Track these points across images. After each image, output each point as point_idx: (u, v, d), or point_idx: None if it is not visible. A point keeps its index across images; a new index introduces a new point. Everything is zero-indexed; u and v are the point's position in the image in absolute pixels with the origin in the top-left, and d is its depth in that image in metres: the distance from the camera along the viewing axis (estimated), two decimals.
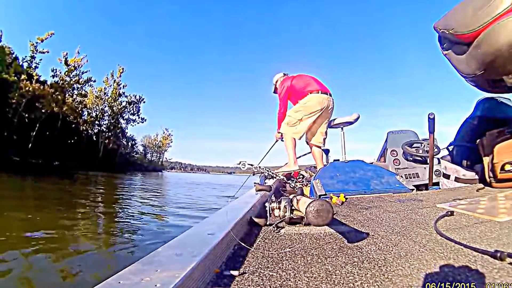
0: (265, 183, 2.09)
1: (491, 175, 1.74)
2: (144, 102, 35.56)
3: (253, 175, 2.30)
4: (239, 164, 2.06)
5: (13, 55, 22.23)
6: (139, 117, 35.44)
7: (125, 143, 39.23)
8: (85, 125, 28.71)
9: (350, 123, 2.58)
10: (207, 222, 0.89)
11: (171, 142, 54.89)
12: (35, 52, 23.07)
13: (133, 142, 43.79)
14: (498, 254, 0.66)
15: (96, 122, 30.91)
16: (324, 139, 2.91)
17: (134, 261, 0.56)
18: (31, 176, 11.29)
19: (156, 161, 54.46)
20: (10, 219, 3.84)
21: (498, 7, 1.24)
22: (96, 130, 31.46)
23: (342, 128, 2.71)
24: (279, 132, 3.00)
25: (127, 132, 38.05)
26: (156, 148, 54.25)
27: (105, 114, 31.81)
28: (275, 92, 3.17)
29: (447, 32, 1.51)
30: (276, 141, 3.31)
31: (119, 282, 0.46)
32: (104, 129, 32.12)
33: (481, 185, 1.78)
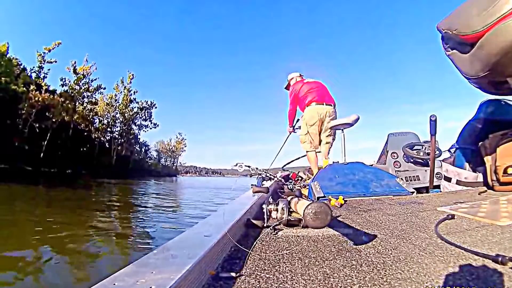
0: (263, 185, 2.08)
1: (493, 178, 1.72)
2: (156, 107, 35.49)
3: (250, 177, 2.29)
4: (235, 166, 2.05)
5: (21, 66, 22.50)
6: (151, 123, 35.34)
7: (138, 149, 39.21)
8: (97, 132, 28.66)
9: (350, 125, 2.56)
10: (204, 224, 0.88)
11: (185, 146, 55.01)
12: (43, 62, 23.32)
13: (147, 148, 43.70)
14: (500, 259, 0.65)
15: (108, 129, 30.86)
16: (328, 143, 3.07)
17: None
18: (44, 185, 11.34)
19: (170, 166, 54.34)
20: (25, 225, 3.91)
21: (503, 8, 1.22)
22: (108, 137, 31.38)
23: (342, 130, 2.70)
24: (291, 126, 3.45)
25: (139, 138, 38.02)
26: (170, 153, 54.18)
27: (116, 121, 31.75)
28: (286, 88, 3.44)
29: (451, 33, 1.50)
30: (288, 135, 3.65)
31: (114, 284, 0.46)
32: (117, 136, 32.06)
33: (483, 188, 1.76)
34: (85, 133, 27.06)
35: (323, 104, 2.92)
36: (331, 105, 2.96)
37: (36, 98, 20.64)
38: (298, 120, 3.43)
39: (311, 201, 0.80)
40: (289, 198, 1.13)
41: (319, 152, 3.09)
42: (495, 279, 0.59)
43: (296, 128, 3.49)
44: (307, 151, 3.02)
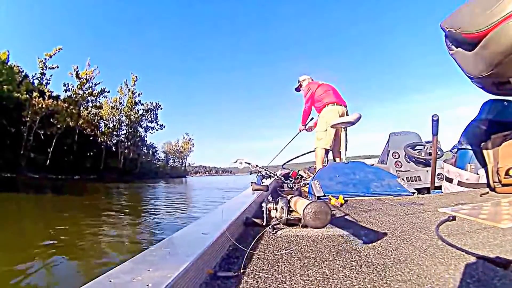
0: (263, 182, 2.07)
1: (495, 179, 1.71)
2: (161, 108, 35.43)
3: (250, 174, 2.28)
4: (235, 162, 2.05)
5: (23, 73, 22.45)
6: (157, 124, 35.32)
7: (145, 151, 39.08)
8: (103, 136, 28.66)
9: (351, 123, 2.54)
10: (202, 221, 0.88)
11: (193, 146, 54.95)
12: (44, 68, 23.27)
13: (154, 150, 43.57)
14: (501, 261, 0.65)
15: (114, 132, 30.85)
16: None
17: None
18: (52, 192, 11.26)
19: (179, 166, 54.13)
20: (35, 232, 3.94)
21: (508, 7, 1.20)
22: (114, 141, 31.40)
23: (344, 129, 2.68)
24: (304, 125, 3.53)
25: (146, 140, 37.92)
26: (178, 154, 53.97)
27: (122, 124, 31.72)
28: (297, 89, 3.56)
29: (454, 31, 1.48)
30: (298, 133, 3.74)
31: (110, 281, 0.45)
32: (123, 139, 32.03)
33: (485, 190, 1.75)
34: (91, 138, 27.13)
35: (341, 106, 3.10)
36: (346, 107, 3.15)
37: (40, 105, 20.70)
38: (312, 118, 3.50)
39: (311, 201, 0.79)
40: (288, 197, 1.12)
41: (329, 150, 3.18)
42: (496, 282, 0.58)
43: (307, 128, 3.55)
44: (318, 147, 3.09)
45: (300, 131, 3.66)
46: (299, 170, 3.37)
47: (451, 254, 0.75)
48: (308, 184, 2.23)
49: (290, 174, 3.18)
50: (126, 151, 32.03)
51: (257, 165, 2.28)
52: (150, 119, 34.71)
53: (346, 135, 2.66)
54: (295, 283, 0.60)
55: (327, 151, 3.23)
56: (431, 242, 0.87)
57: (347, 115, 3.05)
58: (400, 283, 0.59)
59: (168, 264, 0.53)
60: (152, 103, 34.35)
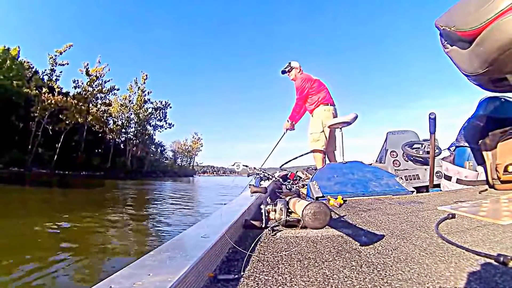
0: (261, 184, 2.06)
1: (494, 176, 1.71)
2: (170, 107, 35.37)
3: (248, 176, 2.28)
4: (233, 165, 2.05)
5: (33, 69, 22.46)
6: (166, 123, 35.24)
7: (153, 149, 38.99)
8: (111, 134, 28.58)
9: (348, 123, 2.54)
10: (201, 225, 0.87)
11: (201, 146, 54.75)
12: (54, 64, 23.29)
13: (162, 148, 43.50)
14: (501, 258, 0.65)
15: (123, 130, 30.80)
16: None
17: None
18: (60, 187, 11.29)
19: (187, 165, 53.98)
20: (44, 230, 3.88)
21: (502, 4, 1.21)
22: (123, 138, 31.34)
23: (341, 129, 2.68)
24: (292, 122, 3.18)
25: (155, 139, 37.87)
26: (186, 153, 53.90)
27: (131, 122, 31.72)
28: (283, 72, 3.28)
29: (449, 30, 1.49)
30: (284, 133, 3.28)
31: (110, 286, 0.45)
32: (131, 137, 31.98)
33: (484, 187, 1.75)
34: (100, 135, 27.02)
35: (333, 106, 3.03)
36: (335, 106, 3.06)
37: (49, 101, 20.71)
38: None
39: (310, 202, 0.79)
40: (287, 198, 1.12)
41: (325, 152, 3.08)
42: (497, 279, 0.58)
43: (291, 125, 3.22)
44: (316, 150, 2.97)
45: (287, 130, 3.24)
46: (297, 172, 3.36)
47: (451, 252, 0.75)
48: (306, 185, 2.23)
49: (288, 176, 3.17)
50: (134, 149, 31.99)
51: (254, 167, 2.28)
52: (159, 117, 34.72)
53: (342, 136, 2.64)
54: (295, 285, 0.59)
55: (324, 153, 3.20)
56: (431, 240, 0.87)
57: (336, 115, 2.99)
58: (401, 282, 0.59)
59: (168, 268, 0.52)
60: (161, 101, 34.37)
